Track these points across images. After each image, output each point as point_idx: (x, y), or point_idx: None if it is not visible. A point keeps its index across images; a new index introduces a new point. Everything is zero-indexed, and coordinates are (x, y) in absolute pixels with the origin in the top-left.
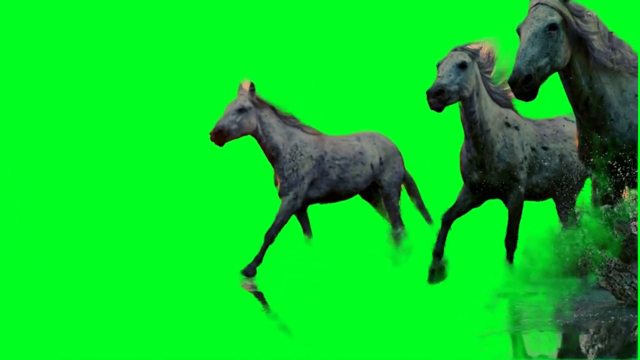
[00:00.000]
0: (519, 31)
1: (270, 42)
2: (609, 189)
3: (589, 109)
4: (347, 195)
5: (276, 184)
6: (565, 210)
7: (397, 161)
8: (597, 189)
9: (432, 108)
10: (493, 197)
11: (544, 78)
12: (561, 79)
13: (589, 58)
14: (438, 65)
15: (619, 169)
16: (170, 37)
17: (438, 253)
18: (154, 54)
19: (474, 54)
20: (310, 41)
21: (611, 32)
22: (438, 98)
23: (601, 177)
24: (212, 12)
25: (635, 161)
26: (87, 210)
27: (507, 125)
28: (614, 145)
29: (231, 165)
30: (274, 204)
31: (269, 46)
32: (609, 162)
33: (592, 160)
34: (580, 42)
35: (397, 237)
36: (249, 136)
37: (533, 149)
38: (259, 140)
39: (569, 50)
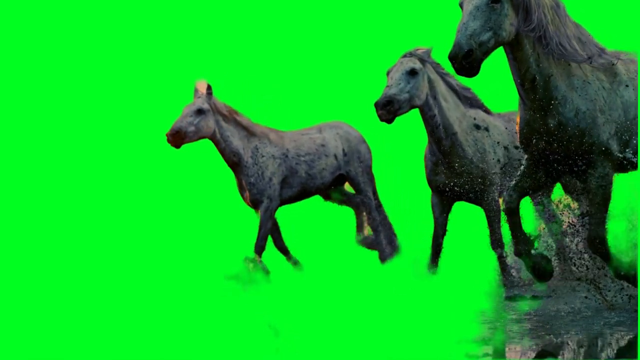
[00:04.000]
0: (461, 5)
1: (231, 40)
2: (542, 178)
3: (535, 89)
4: (317, 191)
5: (242, 191)
6: (542, 207)
7: (362, 150)
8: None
9: (381, 120)
10: (463, 199)
11: (486, 53)
12: (506, 54)
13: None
14: (388, 74)
15: (558, 157)
16: (124, 39)
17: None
18: (108, 55)
19: (424, 59)
20: (274, 39)
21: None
22: (387, 109)
23: (534, 164)
24: (169, 11)
25: (577, 153)
26: (45, 214)
27: (477, 127)
28: (560, 129)
29: (189, 168)
30: (232, 207)
31: (229, 45)
32: (553, 148)
33: (533, 145)
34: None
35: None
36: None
37: (505, 147)
38: (217, 145)
39: (515, 24)
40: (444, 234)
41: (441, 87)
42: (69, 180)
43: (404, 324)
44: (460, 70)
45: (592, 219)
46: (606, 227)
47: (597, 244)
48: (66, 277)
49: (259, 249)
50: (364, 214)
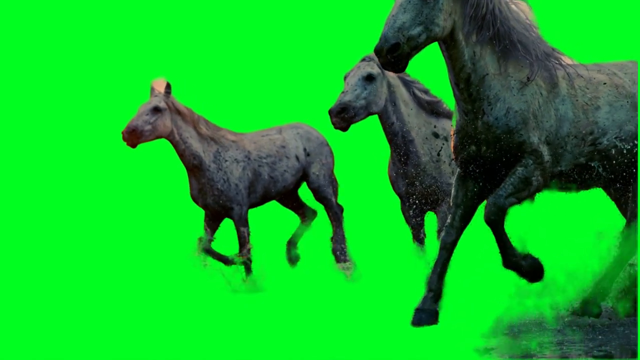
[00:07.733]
0: None
1: (188, 39)
2: (474, 196)
3: (469, 88)
4: (277, 195)
5: (199, 194)
6: None
7: (324, 153)
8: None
9: (336, 127)
10: (428, 209)
11: (416, 48)
12: (442, 51)
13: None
14: (345, 78)
15: (489, 164)
16: (79, 37)
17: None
18: (63, 53)
19: None
20: (237, 40)
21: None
22: (341, 117)
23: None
24: (126, 9)
25: (507, 156)
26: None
27: (436, 136)
28: (489, 128)
29: (145, 168)
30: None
31: (186, 43)
32: (483, 152)
33: (464, 151)
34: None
35: (339, 250)
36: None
37: None
38: (176, 147)
39: (451, 20)
40: (424, 237)
41: (402, 93)
42: (21, 179)
43: (397, 329)
44: (386, 65)
45: (501, 190)
46: (508, 209)
47: (493, 213)
48: (23, 279)
49: (247, 253)
50: (309, 224)
